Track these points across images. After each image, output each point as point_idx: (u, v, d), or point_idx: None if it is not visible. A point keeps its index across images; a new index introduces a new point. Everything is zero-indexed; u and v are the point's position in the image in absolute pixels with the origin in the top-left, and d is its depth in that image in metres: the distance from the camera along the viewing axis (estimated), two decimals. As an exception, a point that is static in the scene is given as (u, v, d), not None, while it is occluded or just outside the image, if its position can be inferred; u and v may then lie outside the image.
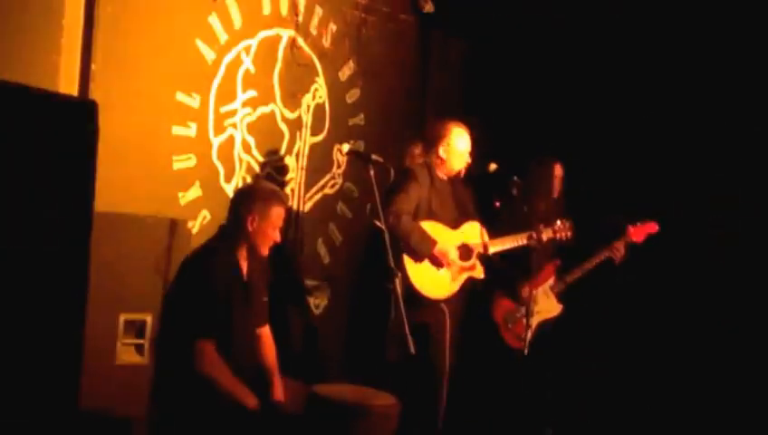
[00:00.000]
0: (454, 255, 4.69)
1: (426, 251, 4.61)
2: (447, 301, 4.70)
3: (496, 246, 4.83)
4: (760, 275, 5.24)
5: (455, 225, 4.79)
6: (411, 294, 4.58)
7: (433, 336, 4.64)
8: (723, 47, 5.42)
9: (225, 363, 3.59)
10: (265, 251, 3.83)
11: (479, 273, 4.85)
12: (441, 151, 4.78)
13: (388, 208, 4.57)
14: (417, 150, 5.08)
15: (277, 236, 3.83)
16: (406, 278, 4.59)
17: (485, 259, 4.84)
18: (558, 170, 5.32)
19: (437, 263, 4.67)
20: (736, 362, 5.22)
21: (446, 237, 4.68)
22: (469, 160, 4.80)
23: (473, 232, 4.83)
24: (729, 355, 5.25)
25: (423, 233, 4.61)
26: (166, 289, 4.11)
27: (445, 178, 4.84)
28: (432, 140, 4.83)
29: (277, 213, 3.78)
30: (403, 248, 4.61)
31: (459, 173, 4.85)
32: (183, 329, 3.58)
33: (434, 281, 4.67)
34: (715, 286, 5.34)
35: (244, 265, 3.82)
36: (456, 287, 4.75)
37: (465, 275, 4.78)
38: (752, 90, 5.34)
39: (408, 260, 4.62)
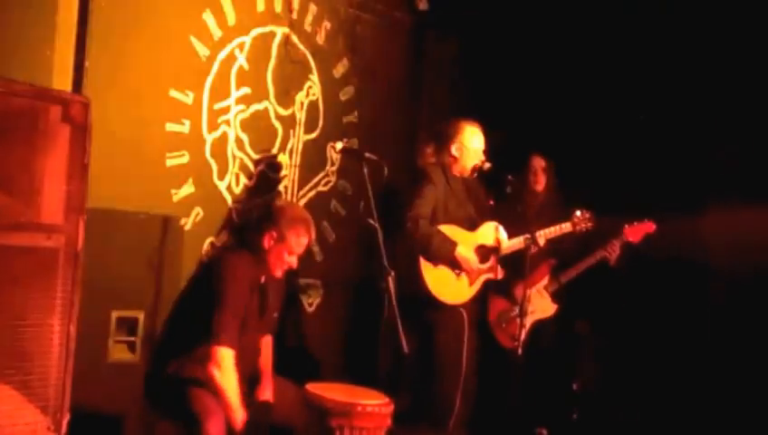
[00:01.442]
0: (474, 259, 4.66)
1: (447, 255, 4.58)
2: (466, 305, 4.67)
3: (510, 247, 4.81)
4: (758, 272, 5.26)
5: (472, 226, 4.76)
6: (429, 298, 4.57)
7: (449, 340, 4.62)
8: (720, 42, 5.42)
9: (235, 375, 3.58)
10: (277, 273, 3.83)
11: (498, 274, 4.82)
12: (454, 150, 4.77)
13: (406, 214, 4.56)
14: (430, 150, 5.05)
15: (293, 263, 3.82)
16: (424, 284, 4.58)
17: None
18: (537, 163, 5.27)
19: (458, 266, 4.64)
20: (737, 362, 5.23)
21: (464, 240, 4.65)
22: (483, 159, 4.78)
23: (491, 233, 4.80)
24: (730, 355, 5.26)
25: (443, 237, 4.58)
26: (158, 286, 4.12)
27: (459, 177, 4.82)
28: (444, 139, 4.81)
29: (296, 240, 3.76)
30: (421, 254, 4.60)
31: (470, 173, 4.82)
32: (201, 332, 3.56)
33: (452, 286, 4.65)
34: (712, 286, 5.35)
35: (262, 278, 3.80)
36: (474, 291, 4.73)
37: (483, 278, 4.76)
38: (750, 84, 5.34)
39: (425, 266, 4.60)
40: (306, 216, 4.00)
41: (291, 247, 3.76)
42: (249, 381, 3.81)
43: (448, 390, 4.60)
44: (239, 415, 3.58)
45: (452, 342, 4.62)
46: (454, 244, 4.59)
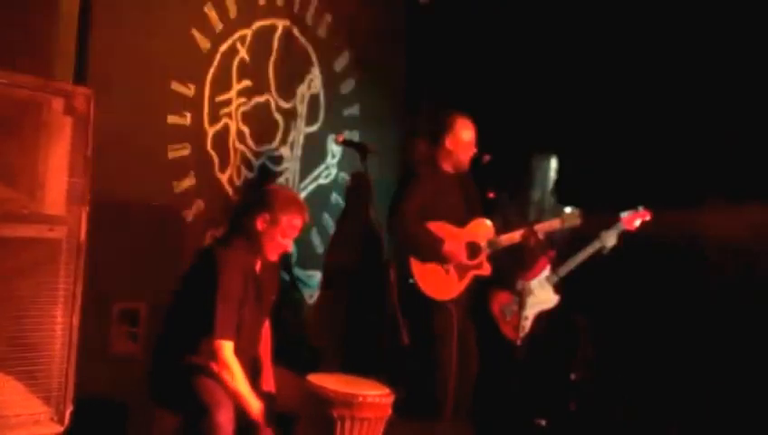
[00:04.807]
0: (463, 255, 4.69)
1: (434, 252, 4.62)
2: (455, 300, 4.71)
3: (503, 242, 4.85)
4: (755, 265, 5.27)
5: (462, 222, 4.78)
6: (418, 293, 4.61)
7: (439, 334, 4.65)
8: (718, 36, 5.42)
9: (240, 366, 3.58)
10: (272, 257, 3.78)
11: (486, 270, 4.86)
12: (448, 143, 4.79)
13: (392, 212, 4.60)
14: (422, 146, 5.06)
15: (288, 246, 3.77)
16: (412, 280, 4.61)
17: (493, 253, 4.86)
18: (555, 164, 5.32)
19: (446, 262, 4.67)
20: (737, 357, 5.25)
21: (453, 236, 4.68)
22: (475, 150, 4.81)
23: (480, 229, 4.83)
24: (727, 344, 5.28)
25: (429, 234, 4.61)
26: (160, 278, 4.13)
27: (452, 171, 4.84)
28: (437, 133, 4.82)
29: (289, 222, 3.72)
30: (410, 251, 4.63)
31: (466, 166, 4.85)
32: (201, 325, 3.55)
33: (441, 283, 4.68)
34: (710, 278, 5.37)
35: (258, 263, 3.80)
36: (462, 287, 4.76)
37: (472, 274, 4.79)
38: (748, 79, 5.35)
39: (414, 262, 4.63)
40: (299, 198, 3.97)
41: (284, 230, 3.72)
42: (251, 369, 3.81)
43: (440, 383, 4.64)
44: (255, 404, 3.58)
45: (442, 337, 4.65)
46: (441, 241, 4.62)
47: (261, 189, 3.99)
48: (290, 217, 3.72)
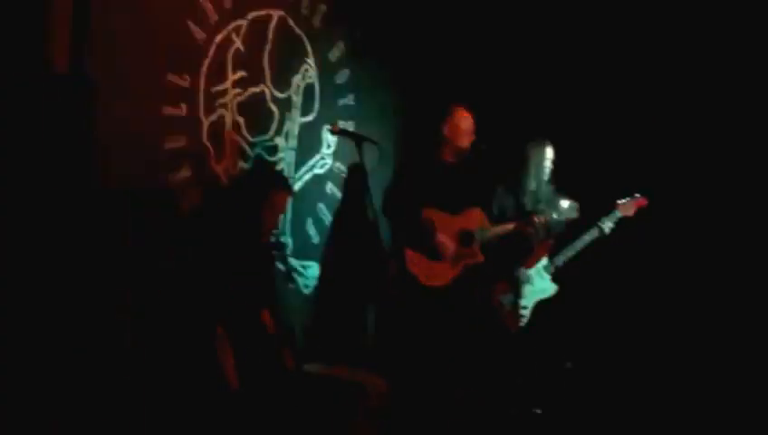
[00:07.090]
0: (452, 247, 4.73)
1: (425, 240, 4.66)
2: (446, 288, 4.74)
3: (496, 232, 4.88)
4: (751, 256, 5.30)
5: (456, 210, 4.82)
6: (410, 280, 4.64)
7: (432, 322, 4.69)
8: (714, 24, 5.44)
9: (229, 347, 3.61)
10: (265, 237, 3.84)
11: (479, 258, 4.89)
12: (446, 132, 4.85)
13: (386, 197, 4.63)
14: (420, 134, 5.12)
15: (277, 222, 3.86)
16: (404, 266, 4.65)
17: (485, 242, 4.89)
18: (550, 154, 5.33)
19: (436, 250, 4.70)
20: (735, 351, 5.27)
21: (446, 224, 4.73)
22: (473, 138, 4.86)
23: (474, 218, 4.87)
24: (724, 334, 5.31)
25: (422, 221, 4.65)
26: (155, 271, 4.13)
27: (451, 160, 4.88)
28: (435, 122, 4.89)
29: (279, 199, 3.79)
30: (402, 236, 4.67)
31: (465, 154, 4.89)
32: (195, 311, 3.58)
33: (433, 269, 4.72)
34: (707, 268, 5.39)
35: (246, 247, 3.82)
36: (454, 274, 4.80)
37: (464, 262, 4.83)
38: (743, 70, 5.37)
39: (406, 248, 4.67)
40: (277, 172, 4.24)
41: (274, 208, 3.83)
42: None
43: (432, 371, 4.68)
44: (231, 377, 3.63)
45: (434, 323, 4.70)
46: (433, 229, 4.66)
47: (242, 175, 4.03)
48: (279, 194, 3.87)
